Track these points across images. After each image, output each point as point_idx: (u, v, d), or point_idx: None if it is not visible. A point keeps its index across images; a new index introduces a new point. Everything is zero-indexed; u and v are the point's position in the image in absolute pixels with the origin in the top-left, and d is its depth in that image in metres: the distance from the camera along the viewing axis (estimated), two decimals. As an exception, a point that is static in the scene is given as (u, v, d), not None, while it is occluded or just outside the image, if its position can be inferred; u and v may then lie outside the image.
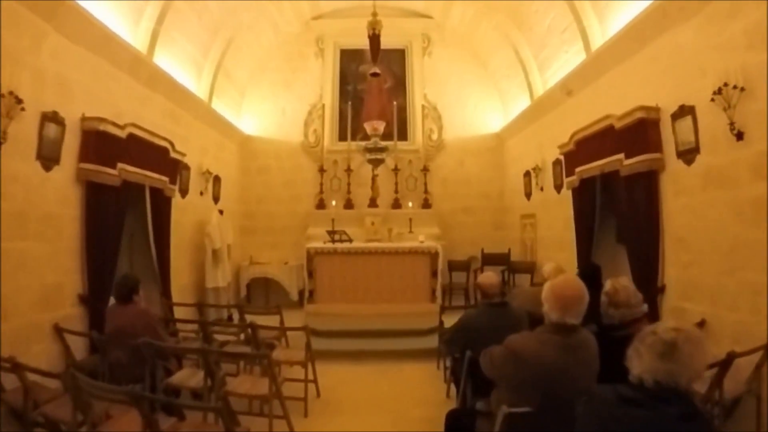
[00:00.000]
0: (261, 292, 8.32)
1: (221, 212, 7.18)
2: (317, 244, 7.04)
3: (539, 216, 7.45)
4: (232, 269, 8.03)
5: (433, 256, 6.88)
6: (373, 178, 8.16)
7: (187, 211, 6.75)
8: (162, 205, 5.85)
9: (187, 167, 6.72)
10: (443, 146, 9.04)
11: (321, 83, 9.08)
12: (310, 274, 6.81)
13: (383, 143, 7.55)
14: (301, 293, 7.42)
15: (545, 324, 2.22)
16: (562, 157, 6.32)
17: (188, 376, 3.70)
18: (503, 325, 2.93)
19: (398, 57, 9.17)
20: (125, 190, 4.86)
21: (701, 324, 3.77)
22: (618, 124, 4.81)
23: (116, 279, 4.03)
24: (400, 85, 9.09)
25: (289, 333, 5.16)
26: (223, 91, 7.98)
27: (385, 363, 5.48)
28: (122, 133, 4.82)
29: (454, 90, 9.16)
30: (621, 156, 4.74)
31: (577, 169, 5.77)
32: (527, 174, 7.81)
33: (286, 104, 9.19)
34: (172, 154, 6.01)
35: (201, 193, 7.28)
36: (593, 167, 5.38)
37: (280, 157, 9.03)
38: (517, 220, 8.28)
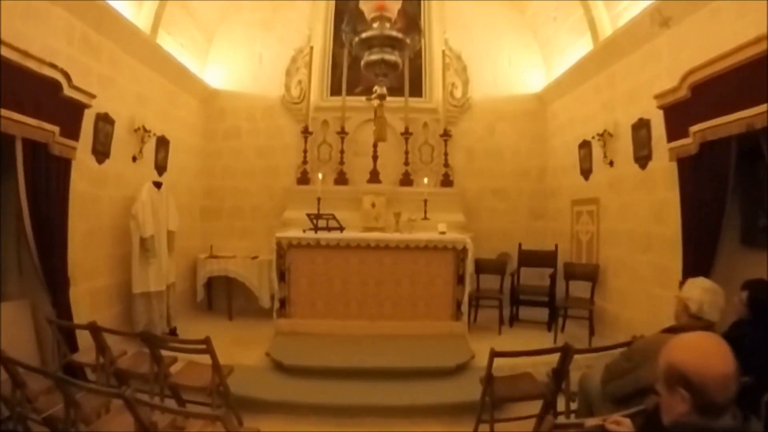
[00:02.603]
0: (227, 294, 6.38)
1: (158, 185, 5.14)
2: (294, 233, 5.01)
3: (605, 201, 5.55)
4: (184, 264, 6.23)
5: (459, 253, 4.89)
6: (375, 144, 6.04)
7: (107, 183, 4.88)
8: (48, 169, 3.87)
9: (107, 119, 4.78)
10: (469, 107, 7.08)
11: (310, 22, 7.08)
12: (282, 276, 4.80)
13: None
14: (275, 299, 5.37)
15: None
16: (661, 112, 4.29)
17: None
18: None
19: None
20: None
21: None
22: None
23: None
24: (413, 27, 6.88)
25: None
26: (178, 27, 6.04)
27: (389, 423, 3.46)
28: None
29: (482, 39, 7.19)
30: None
31: (695, 128, 3.87)
32: (585, 145, 5.90)
33: (265, 49, 7.20)
34: (67, 92, 3.98)
35: (134, 159, 5.35)
36: (730, 122, 3.49)
37: (253, 117, 7.10)
38: (565, 206, 6.43)
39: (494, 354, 2.67)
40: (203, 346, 3.19)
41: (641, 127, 4.77)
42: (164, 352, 3.35)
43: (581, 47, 5.92)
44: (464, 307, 4.91)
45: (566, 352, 2.73)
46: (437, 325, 4.87)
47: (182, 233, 6.19)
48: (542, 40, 7.06)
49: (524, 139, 7.14)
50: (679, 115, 4.04)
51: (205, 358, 3.17)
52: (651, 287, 4.60)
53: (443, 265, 4.97)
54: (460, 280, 4.91)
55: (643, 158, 4.77)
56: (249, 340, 5.11)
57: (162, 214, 5.27)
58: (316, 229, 5.11)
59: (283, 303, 4.93)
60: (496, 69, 7.20)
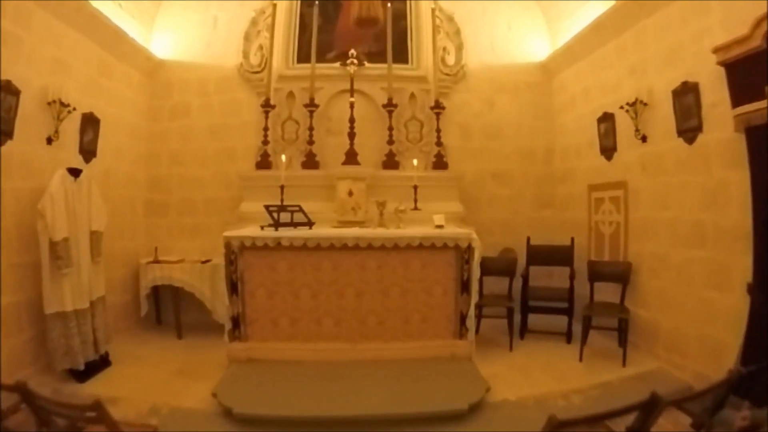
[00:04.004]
0: (175, 307, 5.32)
1: (75, 173, 4.04)
2: (249, 231, 3.96)
3: (635, 185, 4.67)
4: (125, 272, 5.33)
5: (463, 253, 3.88)
6: (352, 119, 5.05)
7: (10, 172, 3.84)
8: None
9: (10, 89, 3.78)
10: (463, 76, 6.11)
11: (274, -24, 5.93)
12: (234, 287, 3.73)
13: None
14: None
15: None
16: (716, 72, 3.39)
17: None
18: None
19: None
20: None
21: None
22: None
23: None
24: (396, -16, 5.87)
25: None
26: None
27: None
28: None
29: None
30: None
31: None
32: (607, 118, 5.04)
33: (220, 11, 6.11)
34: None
35: (49, 141, 4.28)
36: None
37: (205, 92, 6.03)
38: (580, 192, 5.55)
39: (557, 425, 1.62)
40: (93, 414, 2.11)
41: (686, 92, 3.88)
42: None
43: (595, 7, 5.02)
44: (470, 322, 3.94)
45: (653, 406, 1.76)
46: (436, 345, 3.91)
47: (123, 233, 5.33)
48: (545, 3, 6.16)
49: (527, 114, 6.23)
50: (749, 72, 3.15)
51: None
52: (702, 290, 3.72)
53: (442, 269, 4.00)
54: (464, 286, 3.94)
55: (690, 131, 3.88)
56: (198, 368, 4.13)
57: (82, 211, 4.19)
58: (276, 225, 4.04)
59: (236, 322, 3.86)
60: (493, 34, 6.27)
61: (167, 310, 5.48)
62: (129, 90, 5.62)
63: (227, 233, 3.93)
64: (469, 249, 3.96)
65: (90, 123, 4.81)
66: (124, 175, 5.47)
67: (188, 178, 5.89)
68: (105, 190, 4.97)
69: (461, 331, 3.96)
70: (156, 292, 5.46)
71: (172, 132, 5.95)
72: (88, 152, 4.82)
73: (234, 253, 3.86)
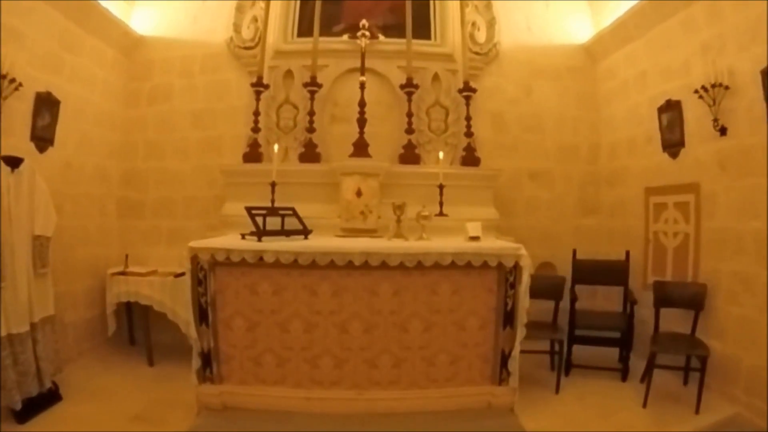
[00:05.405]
0: (153, 325, 4.54)
1: (13, 162, 3.24)
2: (225, 241, 3.09)
3: (710, 188, 3.87)
4: (92, 283, 4.58)
5: (507, 274, 2.96)
6: (362, 102, 4.13)
7: None
8: None
9: None
10: (496, 56, 5.23)
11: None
12: (203, 315, 2.86)
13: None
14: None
15: None
16: None
17: None
18: None
19: None
20: None
21: None
22: None
23: None
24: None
25: None
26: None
27: None
28: None
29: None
30: None
31: None
32: (671, 106, 4.22)
33: (211, -20, 5.37)
34: None
35: None
36: None
37: (189, 72, 5.22)
38: (634, 196, 4.75)
39: None
40: None
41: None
42: None
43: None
44: (513, 364, 2.99)
45: None
46: (469, 394, 3.04)
47: (89, 238, 4.64)
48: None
49: (569, 104, 5.37)
50: None
51: None
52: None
53: (480, 295, 3.09)
54: (508, 318, 2.98)
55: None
56: (162, 411, 3.37)
57: (20, 210, 3.40)
58: (260, 233, 3.13)
59: (207, 359, 2.96)
60: (529, 11, 5.42)
61: (141, 328, 4.63)
62: (100, 69, 4.85)
63: (193, 243, 3.06)
64: (516, 269, 3.05)
65: (46, 105, 4.05)
66: (92, 169, 4.72)
67: (167, 173, 5.08)
68: (65, 186, 4.29)
69: (501, 376, 3.06)
70: (128, 307, 4.69)
71: (150, 119, 5.16)
72: (42, 140, 4.05)
73: (203, 269, 2.97)
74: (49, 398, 3.46)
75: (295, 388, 3.04)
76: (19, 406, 3.20)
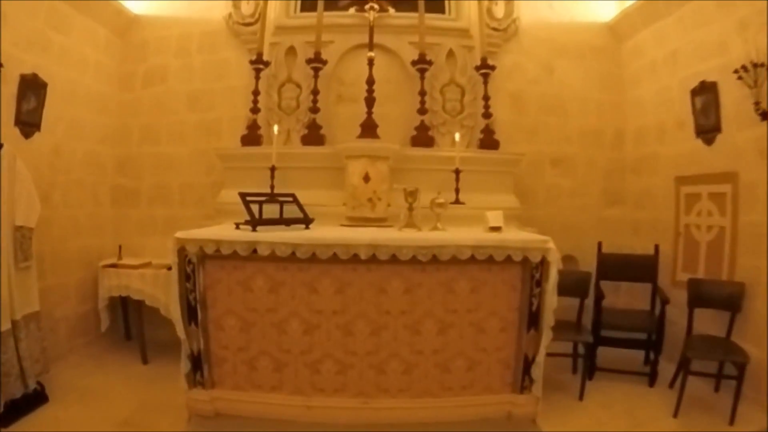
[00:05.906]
0: (149, 320, 4.34)
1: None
2: (214, 231, 2.81)
3: (750, 177, 3.58)
4: (85, 275, 4.40)
5: (533, 270, 2.65)
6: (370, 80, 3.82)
7: None
8: None
9: None
10: (515, 32, 4.89)
11: None
12: (192, 313, 2.58)
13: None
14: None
15: None
16: None
17: None
18: None
19: None
20: None
21: None
22: None
23: None
24: None
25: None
26: None
27: None
28: None
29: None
30: None
31: None
32: (706, 88, 3.92)
33: (208, -47, 5.10)
34: None
35: None
36: None
37: (186, 51, 4.95)
38: (664, 186, 4.45)
39: None
40: None
41: None
42: None
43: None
44: (537, 370, 2.68)
45: None
46: (488, 403, 2.75)
47: (81, 228, 4.45)
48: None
49: (593, 86, 5.04)
50: None
51: None
52: None
53: (502, 294, 2.78)
54: (533, 320, 2.66)
55: None
56: (152, 416, 3.14)
57: (0, 200, 3.15)
58: (254, 222, 2.84)
59: (197, 361, 2.69)
60: (550, -16, 5.17)
61: (135, 322, 4.44)
62: (93, 50, 4.61)
63: (180, 234, 2.78)
64: (542, 264, 2.74)
65: (32, 87, 3.82)
66: (83, 155, 4.49)
67: (162, 158, 4.85)
68: (52, 174, 4.08)
69: (523, 383, 2.77)
70: (124, 301, 4.48)
71: (145, 102, 4.91)
72: (27, 124, 3.82)
73: (191, 263, 2.69)
74: (34, 400, 3.26)
75: (294, 395, 2.78)
76: (0, 409, 3.00)
